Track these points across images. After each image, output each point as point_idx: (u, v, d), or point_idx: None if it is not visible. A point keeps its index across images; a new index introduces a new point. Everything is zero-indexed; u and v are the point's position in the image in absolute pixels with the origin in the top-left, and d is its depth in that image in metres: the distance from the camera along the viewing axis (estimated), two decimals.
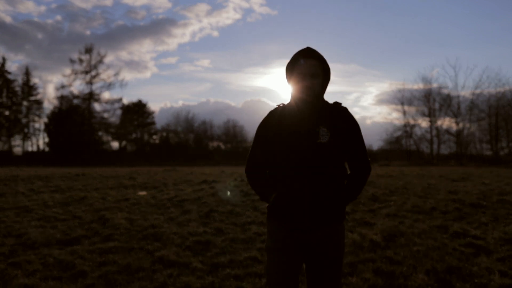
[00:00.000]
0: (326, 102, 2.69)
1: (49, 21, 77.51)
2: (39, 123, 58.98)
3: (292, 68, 2.63)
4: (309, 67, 2.56)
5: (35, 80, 58.59)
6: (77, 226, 7.52)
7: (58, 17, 79.40)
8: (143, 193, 11.96)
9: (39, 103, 58.42)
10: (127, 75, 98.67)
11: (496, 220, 8.09)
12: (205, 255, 5.78)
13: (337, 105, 2.68)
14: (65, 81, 57.29)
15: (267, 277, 2.69)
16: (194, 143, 65.60)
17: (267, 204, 2.67)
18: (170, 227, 7.40)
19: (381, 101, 77.78)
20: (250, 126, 67.98)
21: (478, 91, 49.38)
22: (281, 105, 2.72)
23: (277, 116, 2.67)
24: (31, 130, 58.27)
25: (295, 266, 2.62)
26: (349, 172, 2.66)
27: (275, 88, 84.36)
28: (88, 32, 77.51)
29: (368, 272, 4.95)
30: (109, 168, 26.87)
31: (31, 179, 15.60)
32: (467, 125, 50.59)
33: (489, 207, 9.36)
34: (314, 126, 2.54)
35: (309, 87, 2.56)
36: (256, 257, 5.54)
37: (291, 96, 2.67)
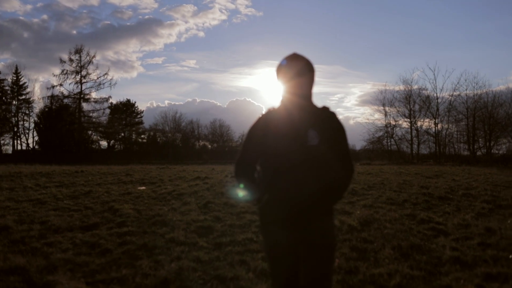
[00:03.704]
0: (315, 106, 2.77)
1: (35, 20, 78.04)
2: (29, 122, 59.47)
3: (281, 70, 2.72)
4: (297, 68, 2.67)
5: (24, 79, 58.71)
6: (91, 215, 8.47)
7: (44, 16, 79.89)
8: (142, 188, 12.92)
9: (28, 102, 58.78)
10: (113, 75, 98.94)
11: (458, 210, 9.27)
12: (209, 237, 6.79)
13: (325, 109, 2.76)
14: (55, 80, 57.66)
15: (272, 280, 2.84)
16: (181, 142, 66.39)
17: (258, 207, 2.79)
18: (174, 215, 8.40)
19: (364, 101, 79.98)
20: (236, 126, 69.27)
21: (456, 93, 51.05)
22: (271, 108, 2.80)
23: (267, 120, 2.74)
24: (21, 129, 58.71)
25: (292, 262, 2.70)
26: (334, 174, 2.68)
27: (260, 88, 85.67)
28: (74, 32, 78.04)
29: (345, 248, 6.02)
30: (99, 167, 27.63)
31: (34, 175, 16.44)
32: (446, 126, 52.29)
33: (454, 200, 10.57)
34: (303, 129, 2.62)
35: (298, 86, 2.66)
36: (252, 238, 6.57)
37: (281, 99, 2.76)
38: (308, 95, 2.73)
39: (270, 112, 2.77)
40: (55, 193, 11.41)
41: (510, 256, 5.55)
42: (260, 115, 2.81)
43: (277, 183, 2.61)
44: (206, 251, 5.98)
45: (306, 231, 2.62)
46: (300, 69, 2.68)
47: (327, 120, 2.70)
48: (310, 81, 2.74)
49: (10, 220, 7.76)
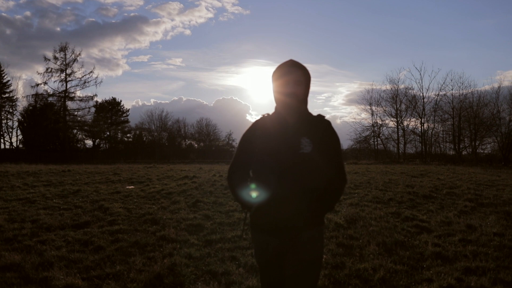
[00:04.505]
0: (310, 113, 2.76)
1: (18, 16, 76.90)
2: (12, 121, 58.87)
3: (277, 76, 2.70)
4: (294, 74, 2.65)
5: (7, 76, 58.04)
6: (82, 214, 8.55)
7: (27, 13, 78.87)
8: (131, 187, 13.00)
9: (12, 100, 58.15)
10: (98, 73, 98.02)
11: (442, 208, 9.55)
12: (199, 234, 6.95)
13: (320, 117, 2.75)
14: (39, 79, 56.99)
15: (261, 284, 2.85)
16: (167, 141, 66.21)
17: (249, 214, 2.78)
18: (164, 214, 8.53)
19: (350, 101, 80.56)
20: (223, 125, 69.48)
21: (442, 93, 51.67)
22: (266, 115, 2.79)
23: (261, 126, 2.73)
24: (4, 128, 58.06)
25: (283, 272, 2.73)
26: (326, 182, 2.66)
27: (247, 87, 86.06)
28: (58, 29, 77.22)
29: (332, 245, 6.23)
30: (86, 166, 27.54)
31: (21, 174, 16.40)
32: (432, 126, 52.93)
33: (438, 198, 10.86)
34: (297, 136, 2.61)
35: (293, 92, 2.62)
36: (242, 236, 6.74)
37: (276, 106, 2.75)
38: (303, 100, 2.71)
39: (264, 118, 2.77)
40: (43, 192, 11.44)
41: (489, 252, 5.82)
42: (253, 122, 2.81)
43: (268, 190, 2.57)
44: (197, 248, 6.14)
45: (295, 240, 2.62)
46: (298, 77, 2.66)
47: (321, 129, 2.69)
48: (304, 83, 2.70)
49: (1, 219, 7.82)
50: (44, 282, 4.59)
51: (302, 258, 2.64)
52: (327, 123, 2.73)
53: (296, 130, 2.64)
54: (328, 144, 2.67)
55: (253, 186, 2.65)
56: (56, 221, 7.75)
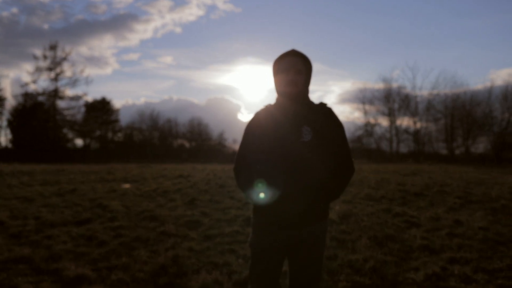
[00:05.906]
0: (311, 102, 2.76)
1: (5, 13, 75.91)
2: (1, 120, 58.54)
3: (278, 65, 2.71)
4: (294, 63, 2.66)
5: None
6: (81, 211, 8.79)
7: (14, 10, 77.90)
8: (127, 185, 13.23)
9: (0, 99, 57.88)
10: (87, 71, 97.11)
11: (431, 205, 9.89)
12: (198, 230, 7.23)
13: (322, 105, 2.73)
14: (29, 77, 56.82)
15: (250, 276, 2.79)
16: (158, 141, 66.27)
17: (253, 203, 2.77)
18: (162, 211, 8.78)
19: (343, 100, 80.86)
20: (214, 124, 69.59)
21: (435, 92, 52.19)
22: (268, 105, 2.80)
23: (263, 116, 2.74)
24: None
25: (279, 264, 2.74)
26: (333, 171, 2.64)
27: (239, 86, 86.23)
28: (46, 26, 76.53)
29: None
30: (79, 165, 27.65)
31: (16, 174, 16.55)
32: (425, 125, 53.45)
33: (428, 196, 11.21)
34: (297, 125, 2.60)
35: (293, 81, 2.64)
36: (239, 231, 7.03)
37: (277, 96, 2.76)
38: (303, 89, 2.72)
39: (266, 109, 2.78)
40: (41, 191, 11.64)
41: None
42: (256, 113, 2.81)
43: (276, 188, 2.56)
44: (197, 242, 6.42)
45: (300, 234, 2.62)
46: (299, 66, 2.69)
47: (323, 116, 2.66)
48: (305, 72, 2.73)
49: (4, 216, 8.02)
50: (55, 273, 4.85)
51: (307, 255, 2.68)
52: (328, 110, 2.72)
53: (297, 119, 2.64)
54: (331, 132, 2.65)
55: (260, 185, 2.60)
56: (58, 218, 7.99)
